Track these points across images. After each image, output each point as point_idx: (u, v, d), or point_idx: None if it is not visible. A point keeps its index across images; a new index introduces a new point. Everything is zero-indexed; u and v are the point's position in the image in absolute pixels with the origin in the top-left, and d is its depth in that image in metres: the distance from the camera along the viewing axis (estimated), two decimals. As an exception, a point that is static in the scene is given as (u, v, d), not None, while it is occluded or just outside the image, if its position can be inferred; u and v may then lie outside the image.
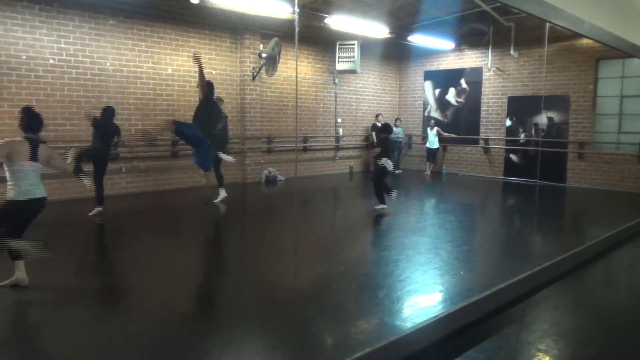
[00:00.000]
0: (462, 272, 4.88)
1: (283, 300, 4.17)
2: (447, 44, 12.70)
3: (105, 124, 7.17)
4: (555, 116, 11.46)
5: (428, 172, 13.11)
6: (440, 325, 3.34)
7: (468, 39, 12.67)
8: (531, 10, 3.87)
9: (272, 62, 9.90)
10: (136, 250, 5.62)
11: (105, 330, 3.47)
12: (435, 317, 3.38)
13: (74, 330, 3.45)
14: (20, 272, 4.14)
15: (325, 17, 9.91)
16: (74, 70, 8.32)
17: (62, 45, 8.17)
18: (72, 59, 8.30)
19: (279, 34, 10.17)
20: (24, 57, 7.77)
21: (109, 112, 7.27)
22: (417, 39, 11.90)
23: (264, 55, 10.14)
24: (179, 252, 5.73)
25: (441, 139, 13.05)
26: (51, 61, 8.07)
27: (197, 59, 5.92)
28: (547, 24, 5.07)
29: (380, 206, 7.69)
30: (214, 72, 10.21)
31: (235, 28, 10.37)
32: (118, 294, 4.36)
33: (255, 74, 10.53)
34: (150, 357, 3.11)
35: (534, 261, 4.82)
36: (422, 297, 4.21)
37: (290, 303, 4.09)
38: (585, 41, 10.52)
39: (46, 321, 3.62)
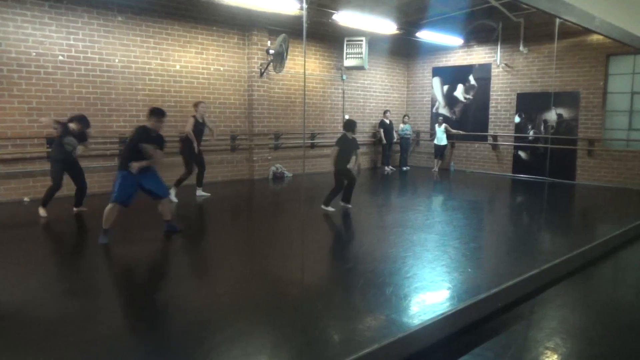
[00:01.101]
0: (469, 270, 4.86)
1: (290, 296, 4.18)
2: (456, 40, 12.62)
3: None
4: (565, 113, 11.36)
5: (436, 169, 13.06)
6: (447, 323, 3.33)
7: (477, 35, 12.59)
8: (541, 6, 3.84)
9: (279, 58, 9.90)
10: (140, 246, 5.65)
11: (114, 326, 3.50)
12: (442, 314, 3.37)
13: (88, 320, 3.49)
14: None
15: (333, 14, 9.88)
16: (82, 67, 8.37)
17: (72, 42, 8.22)
18: (81, 55, 8.34)
19: (286, 31, 10.16)
20: (34, 54, 7.83)
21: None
22: (426, 35, 11.83)
23: (271, 51, 10.13)
24: (184, 248, 5.76)
25: (449, 136, 13.00)
26: (60, 58, 8.12)
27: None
28: (557, 20, 5.03)
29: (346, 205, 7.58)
30: (221, 69, 10.23)
31: (243, 24, 10.37)
32: (122, 289, 4.40)
33: (262, 70, 10.54)
34: (159, 351, 3.13)
35: (543, 259, 4.80)
36: (430, 294, 4.20)
37: (297, 299, 4.10)
38: (595, 37, 10.41)
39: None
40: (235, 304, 3.96)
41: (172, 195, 7.90)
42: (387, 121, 13.07)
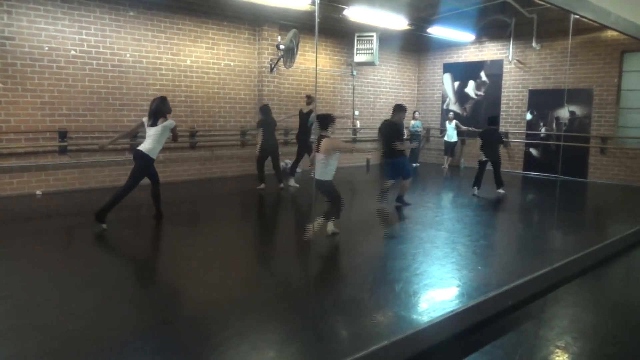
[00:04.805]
0: (479, 267, 4.83)
1: (299, 291, 4.19)
2: (467, 35, 12.51)
3: None
4: (578, 110, 11.23)
5: (446, 165, 12.99)
6: (457, 320, 3.31)
7: (489, 31, 12.47)
8: (556, 1, 3.79)
9: (290, 53, 9.88)
10: (155, 241, 5.69)
11: (122, 319, 3.53)
12: (452, 311, 3.35)
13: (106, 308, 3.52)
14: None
15: (343, 9, 9.84)
16: (94, 61, 8.42)
17: (84, 37, 8.26)
18: (93, 50, 8.39)
19: (297, 26, 10.14)
20: (47, 48, 7.89)
21: None
22: (437, 31, 11.75)
23: (282, 47, 10.12)
24: (195, 243, 5.78)
25: (459, 133, 12.91)
26: (73, 52, 8.18)
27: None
28: (572, 16, 4.95)
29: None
30: (232, 64, 10.24)
31: (253, 20, 10.36)
32: (137, 285, 4.43)
33: (273, 65, 10.53)
34: (171, 343, 3.16)
35: (554, 257, 4.76)
36: (439, 291, 4.18)
37: (306, 294, 4.10)
38: (610, 33, 10.27)
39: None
40: (244, 299, 3.97)
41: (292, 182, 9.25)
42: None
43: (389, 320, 3.58)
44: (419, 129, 13.43)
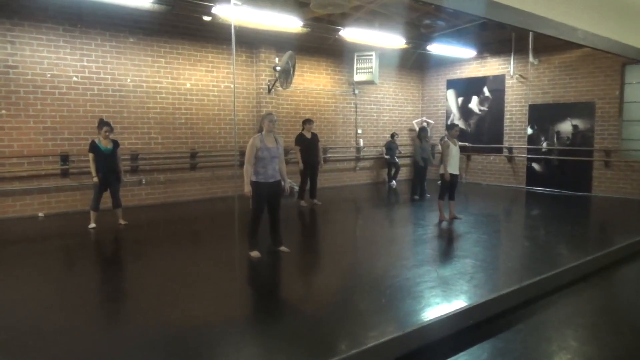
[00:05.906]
0: (481, 268, 4.86)
1: (302, 290, 4.29)
2: (468, 52, 12.54)
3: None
4: (580, 124, 11.10)
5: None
6: (456, 320, 3.40)
7: (490, 46, 12.48)
8: (512, 21, 3.84)
9: (286, 75, 10.04)
10: (158, 257, 5.84)
11: (135, 328, 3.68)
12: (453, 311, 3.43)
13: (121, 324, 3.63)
14: None
15: (339, 30, 10.01)
16: (95, 87, 8.73)
17: (85, 64, 8.59)
18: (94, 76, 8.70)
19: (293, 47, 10.31)
20: (49, 76, 8.22)
21: None
22: (436, 49, 11.81)
23: (278, 68, 10.30)
24: (197, 258, 5.89)
25: (462, 148, 12.84)
26: (74, 79, 8.50)
27: None
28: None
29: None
30: (231, 86, 10.46)
31: (251, 43, 10.59)
32: (146, 297, 4.54)
33: (270, 87, 10.71)
34: (176, 344, 3.30)
35: (558, 262, 4.82)
36: (441, 291, 4.22)
37: (308, 294, 4.19)
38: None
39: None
40: (249, 302, 4.07)
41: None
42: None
43: (390, 319, 3.65)
44: None
